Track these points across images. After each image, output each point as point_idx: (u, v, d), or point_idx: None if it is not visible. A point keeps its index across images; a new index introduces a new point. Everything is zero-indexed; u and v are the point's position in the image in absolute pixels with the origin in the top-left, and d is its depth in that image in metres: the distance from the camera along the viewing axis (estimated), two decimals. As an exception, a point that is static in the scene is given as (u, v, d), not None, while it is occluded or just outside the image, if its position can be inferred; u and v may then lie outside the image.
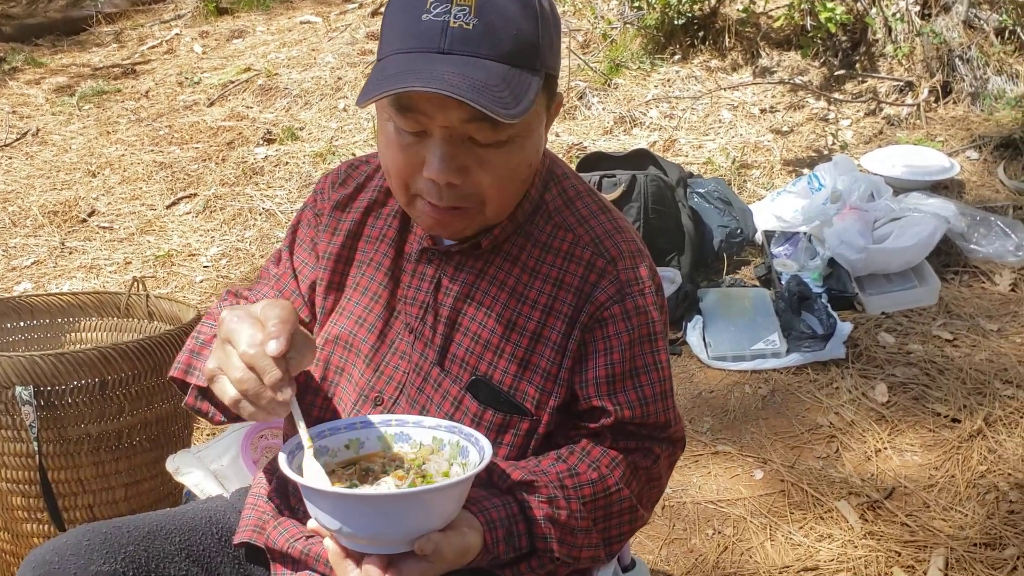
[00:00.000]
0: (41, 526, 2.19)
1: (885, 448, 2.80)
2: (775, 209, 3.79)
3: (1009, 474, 2.66)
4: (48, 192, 4.86)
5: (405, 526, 1.15)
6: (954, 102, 4.68)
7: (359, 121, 5.27)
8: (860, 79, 4.95)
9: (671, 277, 3.24)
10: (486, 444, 1.24)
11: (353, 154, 4.91)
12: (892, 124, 4.65)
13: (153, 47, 7.03)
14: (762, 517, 2.57)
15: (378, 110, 1.33)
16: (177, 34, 7.17)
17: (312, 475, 1.20)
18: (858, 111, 4.82)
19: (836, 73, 4.99)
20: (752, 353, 3.12)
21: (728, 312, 3.25)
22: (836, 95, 4.89)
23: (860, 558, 2.42)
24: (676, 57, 5.38)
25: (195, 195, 4.72)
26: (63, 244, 4.37)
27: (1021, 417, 2.87)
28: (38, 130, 5.65)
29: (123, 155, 5.21)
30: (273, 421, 1.76)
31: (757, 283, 3.55)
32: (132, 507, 2.22)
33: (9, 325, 2.47)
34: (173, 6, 7.83)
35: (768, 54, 5.21)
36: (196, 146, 5.21)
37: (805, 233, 3.60)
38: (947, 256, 3.66)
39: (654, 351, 1.42)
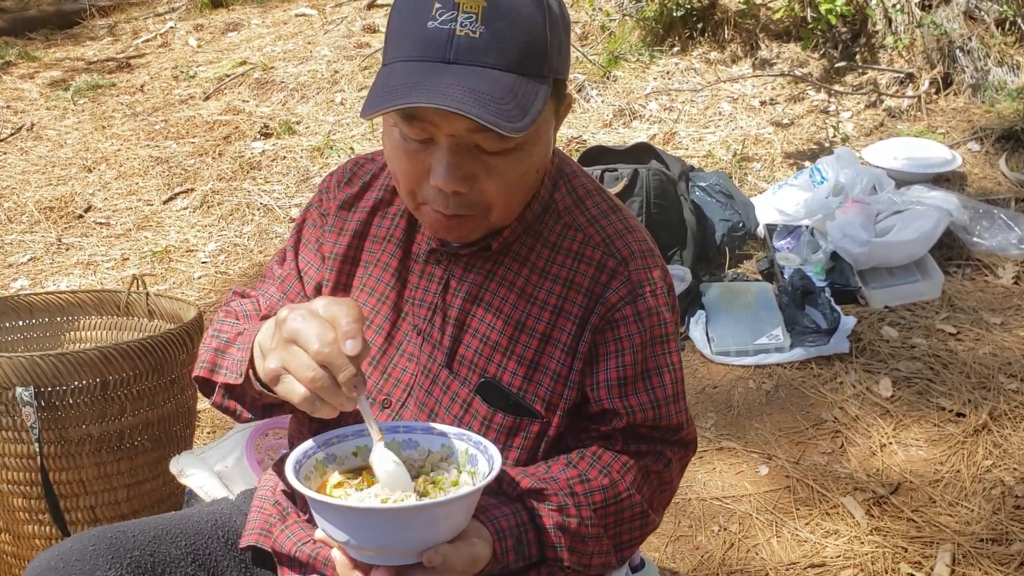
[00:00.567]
0: (43, 527, 2.17)
1: (890, 443, 2.79)
2: (777, 202, 3.77)
3: (1015, 469, 2.65)
4: (44, 187, 4.82)
5: (414, 538, 1.13)
6: (955, 94, 4.66)
7: (356, 115, 5.24)
8: (860, 71, 4.93)
9: (681, 275, 3.22)
10: (495, 453, 1.22)
11: (351, 148, 4.88)
12: (893, 116, 4.63)
13: (147, 40, 6.99)
14: (768, 513, 2.56)
15: (385, 116, 1.31)
16: (172, 27, 7.13)
17: (383, 465, 1.19)
18: (859, 103, 4.81)
19: (836, 65, 4.97)
20: (755, 348, 3.10)
21: (731, 307, 3.23)
22: (836, 87, 4.87)
23: (867, 554, 2.41)
24: (675, 49, 5.35)
25: (192, 190, 4.69)
26: (60, 240, 4.34)
27: (1026, 411, 2.86)
28: (33, 125, 5.61)
29: (119, 150, 5.17)
30: (282, 420, 1.73)
31: (759, 277, 3.54)
32: (134, 508, 2.20)
33: (8, 324, 2.44)
34: (167, -1, 7.79)
35: (768, 46, 5.19)
36: (192, 140, 5.17)
37: (807, 227, 3.58)
38: (950, 249, 3.65)
39: (666, 352, 1.40)
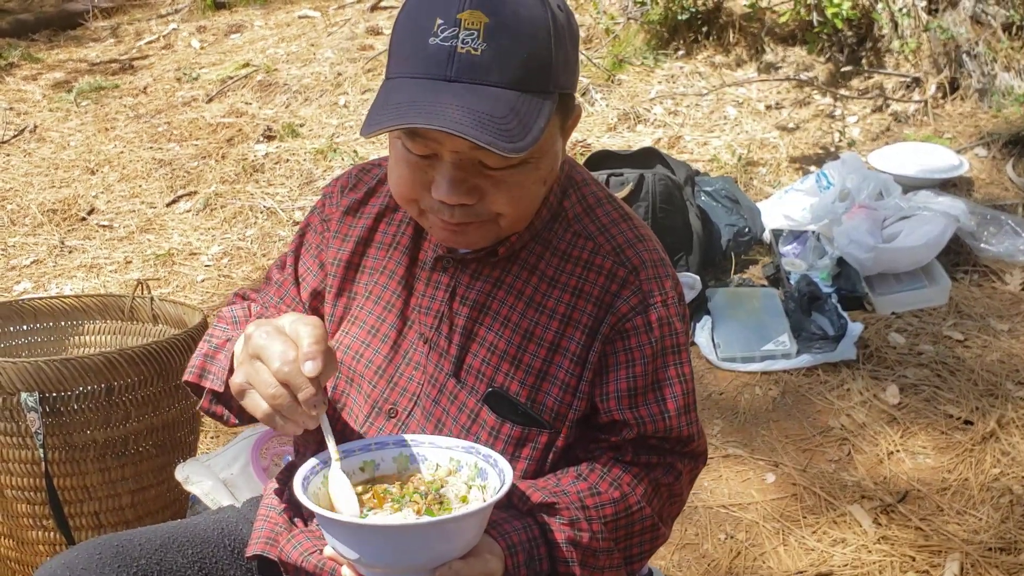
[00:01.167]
0: (47, 533, 2.16)
1: (897, 451, 2.78)
2: (783, 207, 3.75)
3: (1023, 477, 2.64)
4: (47, 190, 4.81)
5: (425, 555, 1.12)
6: (962, 98, 4.65)
7: (360, 117, 5.22)
8: (866, 75, 4.92)
9: (690, 283, 3.20)
10: (505, 467, 1.21)
11: (355, 151, 4.87)
12: (899, 121, 4.62)
13: (150, 42, 6.98)
14: (774, 521, 2.54)
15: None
16: (174, 29, 7.12)
17: (339, 488, 1.18)
18: (865, 108, 4.79)
19: (842, 69, 4.95)
20: (762, 354, 3.09)
21: (737, 312, 3.22)
22: (842, 91, 4.86)
23: (874, 563, 2.39)
24: (680, 53, 5.34)
25: (195, 193, 4.67)
26: (63, 243, 4.33)
27: (1035, 419, 2.84)
28: (36, 127, 5.60)
29: (122, 152, 5.16)
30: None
31: (766, 283, 3.52)
32: (138, 514, 2.19)
33: (12, 329, 2.43)
34: (170, 1, 7.78)
35: (773, 50, 5.17)
36: (195, 143, 5.16)
37: (814, 232, 3.57)
38: (956, 255, 3.63)
39: (677, 363, 1.39)
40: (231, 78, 5.90)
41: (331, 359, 1.19)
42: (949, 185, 4.02)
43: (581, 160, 3.98)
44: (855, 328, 3.16)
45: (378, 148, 4.85)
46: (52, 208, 4.61)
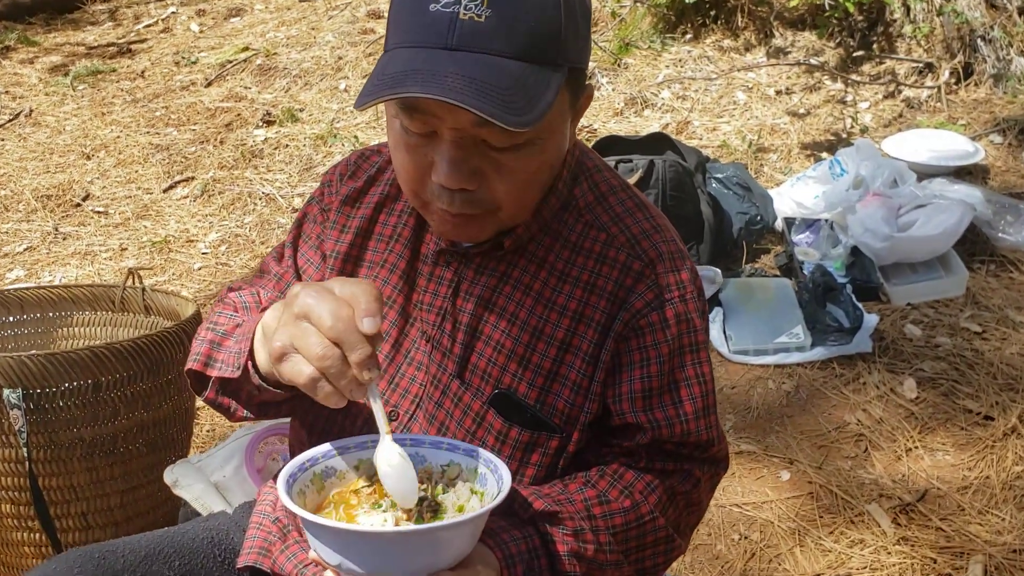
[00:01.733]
0: (32, 534, 2.07)
1: (916, 447, 2.68)
2: (795, 195, 3.65)
3: (1047, 476, 2.55)
4: (41, 175, 4.72)
5: (413, 564, 1.03)
6: (976, 84, 4.54)
7: (362, 102, 5.11)
8: (878, 60, 4.81)
9: (711, 277, 3.10)
10: (505, 474, 1.12)
11: (355, 137, 4.76)
12: (912, 107, 4.51)
13: (149, 26, 6.86)
14: (790, 521, 2.45)
15: (386, 105, 1.20)
16: (173, 12, 7.00)
17: (388, 459, 1.08)
18: (876, 93, 4.68)
19: (853, 54, 4.84)
20: (775, 347, 2.99)
21: (749, 304, 3.12)
22: (854, 76, 4.75)
23: (894, 565, 2.31)
24: (687, 37, 5.22)
25: (193, 178, 4.58)
26: (57, 229, 4.23)
27: (1057, 415, 2.75)
28: (31, 111, 5.50)
29: (118, 137, 5.06)
30: (282, 424, 1.62)
31: (778, 272, 3.42)
32: (128, 515, 2.10)
33: (-2, 320, 2.34)
34: (170, -17, 7.66)
35: (782, 34, 5.06)
36: (193, 128, 5.06)
37: (827, 220, 3.47)
38: (973, 244, 3.53)
39: (696, 363, 1.29)
40: (230, 62, 5.79)
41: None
42: (964, 173, 3.91)
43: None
44: (871, 320, 3.06)
45: (379, 133, 4.75)
46: (46, 194, 4.51)
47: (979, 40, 4.55)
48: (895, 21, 4.83)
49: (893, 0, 4.77)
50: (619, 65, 5.04)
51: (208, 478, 1.66)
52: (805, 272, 3.28)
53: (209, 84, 5.60)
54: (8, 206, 4.43)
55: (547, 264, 1.30)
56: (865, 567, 2.31)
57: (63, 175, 4.71)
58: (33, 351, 2.07)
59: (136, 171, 4.71)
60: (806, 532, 2.42)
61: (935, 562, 2.31)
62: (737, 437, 2.74)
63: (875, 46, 4.87)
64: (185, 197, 4.44)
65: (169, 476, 1.68)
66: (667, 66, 5.04)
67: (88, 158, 4.88)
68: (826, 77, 4.79)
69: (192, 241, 4.08)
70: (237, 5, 6.90)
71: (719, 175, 3.52)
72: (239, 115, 5.11)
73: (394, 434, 1.23)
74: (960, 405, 2.82)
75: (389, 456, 1.08)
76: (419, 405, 1.33)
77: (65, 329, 2.39)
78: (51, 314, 2.38)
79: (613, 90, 4.90)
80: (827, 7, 4.73)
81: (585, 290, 1.28)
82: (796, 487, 2.57)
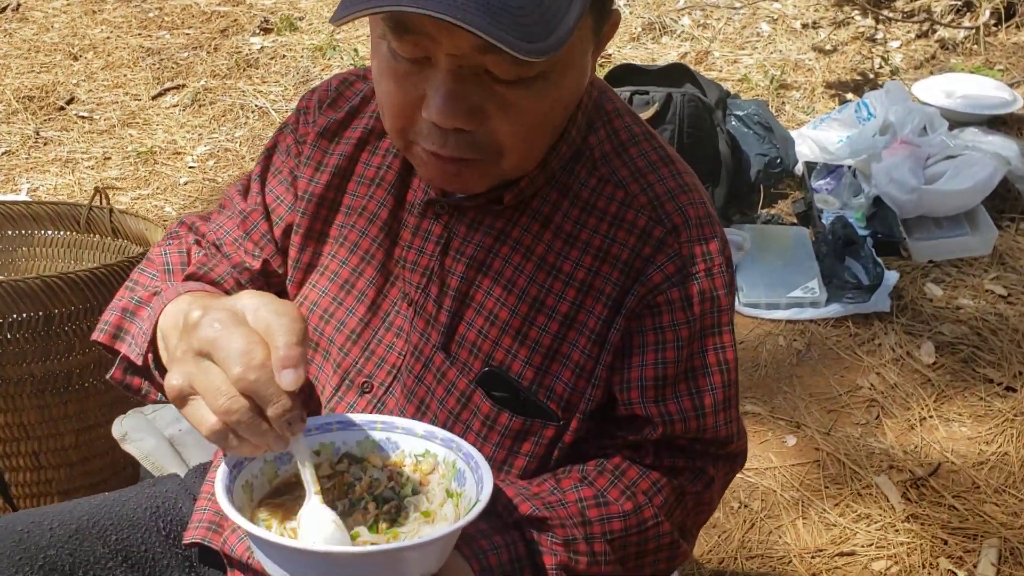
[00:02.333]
0: (-21, 471, 1.92)
1: (930, 417, 2.53)
2: (817, 138, 3.43)
3: (1070, 456, 2.40)
4: (25, 75, 4.48)
5: None
6: (1017, 27, 4.27)
7: (364, 13, 4.85)
8: (913, -5, 4.53)
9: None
10: (487, 476, 0.94)
11: (355, 50, 4.51)
12: (946, 48, 4.25)
13: (147, -81, 6.52)
14: (793, 491, 2.31)
15: (371, 23, 0.99)
16: (173, -94, 6.65)
17: (314, 529, 0.90)
18: (909, 32, 4.42)
19: (887, -13, 4.56)
20: (788, 301, 2.81)
21: (764, 253, 2.93)
22: (886, 12, 4.48)
23: (902, 544, 2.17)
24: (712, -40, 4.93)
25: (183, 86, 4.34)
26: (38, 134, 4.02)
27: (1084, 391, 2.59)
28: (19, 4, 5.22)
29: (108, 37, 4.80)
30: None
31: (795, 220, 3.23)
32: (83, 455, 1.94)
33: (-48, 237, 2.16)
34: None
35: (813, -38, 4.76)
36: (187, 32, 4.80)
37: (850, 167, 3.26)
38: (1003, 201, 3.32)
39: (718, 347, 1.11)
40: (228, -37, 5.48)
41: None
42: (999, 123, 3.68)
43: (600, 74, 3.64)
44: (891, 277, 2.88)
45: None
46: (29, 95, 4.28)
47: (1022, -21, 4.27)
48: (933, -46, 4.54)
49: (933, -68, 4.47)
50: (638, -13, 4.76)
51: (162, 432, 1.49)
52: (823, 221, 3.08)
53: (206, -15, 5.31)
54: (-13, 106, 4.21)
55: (552, 224, 1.11)
56: (871, 545, 2.17)
57: (48, 75, 4.47)
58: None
59: (124, 75, 4.46)
60: (809, 503, 2.27)
61: (946, 543, 2.17)
62: (743, 396, 2.58)
63: (910, -20, 4.59)
64: (174, 106, 4.21)
65: (118, 429, 1.52)
66: (689, -9, 4.76)
67: (75, 59, 4.63)
68: (856, 12, 4.52)
69: (179, 153, 3.87)
70: (239, -98, 6.55)
71: (739, 112, 3.30)
72: (235, 20, 4.85)
73: (367, 414, 1.07)
74: (980, 373, 2.66)
75: (321, 523, 0.89)
76: (396, 377, 1.15)
77: (25, 248, 2.21)
78: (10, 232, 2.19)
79: (630, 13, 4.63)
80: (863, -64, 4.44)
81: (596, 257, 1.10)
82: (802, 453, 2.41)
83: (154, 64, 4.52)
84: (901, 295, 2.92)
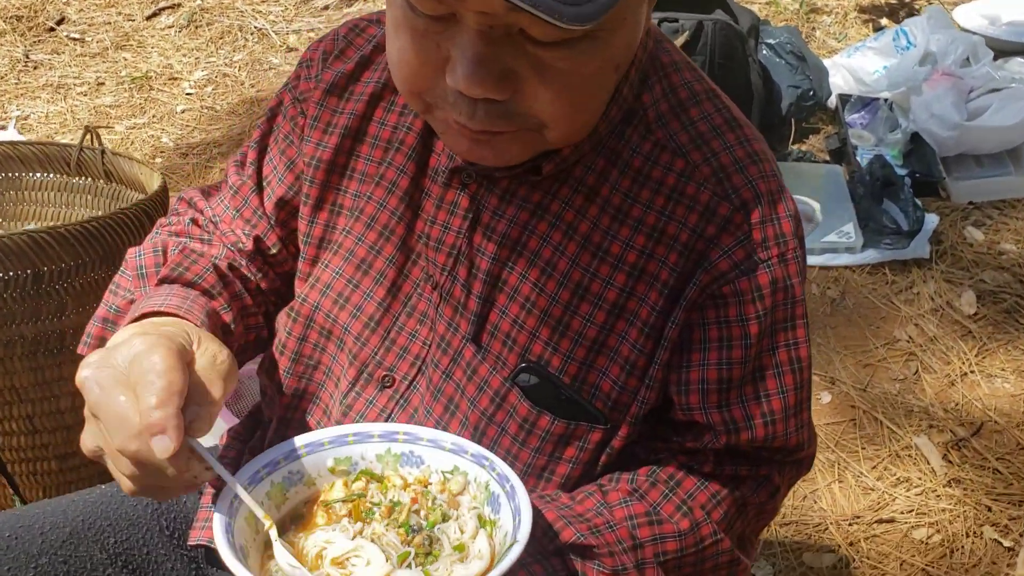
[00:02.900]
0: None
1: (972, 371, 2.40)
2: (852, 67, 3.24)
3: (1121, 414, 2.27)
4: (13, -8, 4.26)
5: None
6: (1063, -54, 4.02)
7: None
8: (952, -89, 4.26)
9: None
10: (523, 504, 0.81)
11: (362, -32, 4.27)
12: (988, -31, 4.00)
13: None
14: (829, 452, 2.19)
15: None
16: None
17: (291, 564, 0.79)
18: (947, -50, 4.17)
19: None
20: (822, 246, 2.66)
21: (796, 193, 2.76)
22: (923, -71, 4.22)
23: (943, 511, 2.06)
24: None
25: (179, 5, 4.13)
26: (27, 56, 3.82)
27: None
28: (5, -84, 4.96)
29: (100, -48, 4.56)
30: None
31: (828, 157, 3.05)
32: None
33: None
34: None
35: None
36: (183, -54, 4.56)
37: (887, 100, 3.07)
38: (1049, 137, 3.14)
39: (790, 343, 0.97)
40: None
41: (204, 394, 0.81)
42: (1045, 52, 3.48)
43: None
44: (931, 221, 2.72)
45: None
46: (16, 14, 4.07)
47: None
48: None
49: None
50: (660, -99, 4.49)
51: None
52: (858, 159, 2.91)
53: None
54: (-27, 27, 4.00)
55: (599, 197, 0.96)
56: (911, 511, 2.06)
57: (37, -7, 4.25)
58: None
59: (117, -7, 4.25)
60: (846, 466, 2.16)
61: (990, 511, 2.06)
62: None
63: None
64: (170, 27, 4.01)
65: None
66: (713, -95, 4.49)
67: (65, -25, 4.40)
68: (891, -71, 4.26)
69: (175, 79, 3.68)
70: None
71: (771, 40, 3.10)
72: (233, -66, 4.60)
73: (383, 423, 0.94)
74: (1024, 325, 2.53)
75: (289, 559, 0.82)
76: (421, 370, 1.02)
77: (13, 192, 2.05)
78: (-4, 175, 2.04)
79: (651, -70, 4.38)
80: None
81: (649, 237, 0.95)
82: (838, 411, 2.29)
83: (149, -19, 4.30)
84: (940, 240, 2.77)
